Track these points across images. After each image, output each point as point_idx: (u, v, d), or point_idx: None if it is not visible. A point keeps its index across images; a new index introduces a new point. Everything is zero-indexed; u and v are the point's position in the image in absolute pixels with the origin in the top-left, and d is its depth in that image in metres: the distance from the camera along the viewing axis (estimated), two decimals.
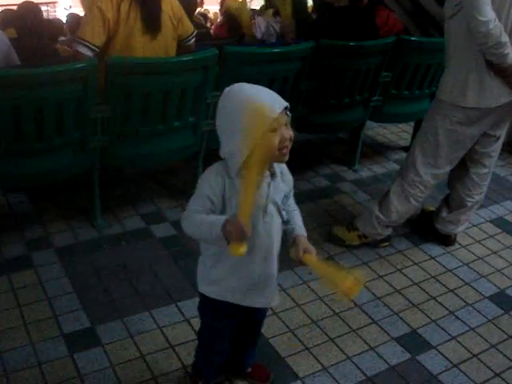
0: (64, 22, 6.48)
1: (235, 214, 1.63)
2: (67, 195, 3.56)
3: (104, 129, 2.98)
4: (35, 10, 4.37)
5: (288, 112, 1.67)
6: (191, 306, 2.67)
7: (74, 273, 2.90)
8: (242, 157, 1.61)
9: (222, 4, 7.48)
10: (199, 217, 1.69)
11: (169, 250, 3.12)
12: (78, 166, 3.07)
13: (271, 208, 1.78)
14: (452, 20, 2.81)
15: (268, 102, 1.61)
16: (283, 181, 1.82)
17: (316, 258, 1.78)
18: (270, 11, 5.09)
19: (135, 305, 2.71)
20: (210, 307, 1.98)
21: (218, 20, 7.45)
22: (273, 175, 1.77)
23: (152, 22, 3.03)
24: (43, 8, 13.31)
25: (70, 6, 16.82)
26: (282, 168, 1.82)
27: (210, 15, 11.03)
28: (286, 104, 1.64)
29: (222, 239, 1.63)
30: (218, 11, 8.25)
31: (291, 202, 1.91)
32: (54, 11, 17.51)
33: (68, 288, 2.79)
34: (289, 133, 1.65)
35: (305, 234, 1.87)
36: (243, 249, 1.60)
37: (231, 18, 5.59)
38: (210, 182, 1.70)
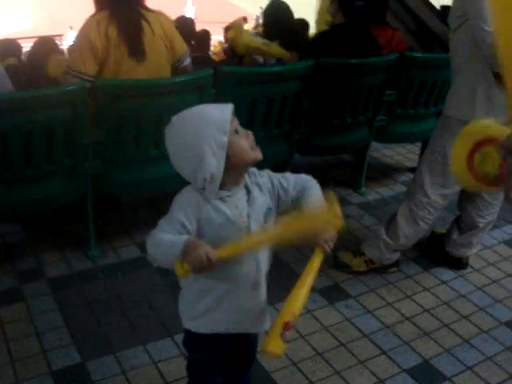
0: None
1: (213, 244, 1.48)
2: (61, 224, 3.44)
3: (96, 154, 2.87)
4: (50, 43, 4.37)
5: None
6: None
7: (66, 305, 2.76)
8: (220, 171, 1.52)
9: (225, 31, 7.44)
10: (163, 236, 1.53)
11: (165, 280, 2.97)
12: (70, 193, 2.95)
13: (254, 227, 1.62)
14: (457, 32, 2.71)
15: (215, 109, 1.57)
16: (261, 190, 1.67)
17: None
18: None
19: (129, 338, 2.57)
20: (197, 341, 1.80)
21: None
22: (248, 190, 1.63)
23: (135, 46, 2.92)
24: None
25: None
26: (255, 175, 1.68)
27: (214, 43, 11.01)
28: (231, 105, 1.57)
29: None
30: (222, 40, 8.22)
31: (293, 183, 1.71)
32: (61, 44, 17.69)
33: (59, 322, 2.65)
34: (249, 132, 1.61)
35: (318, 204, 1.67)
36: (189, 274, 1.46)
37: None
38: (185, 209, 1.55)
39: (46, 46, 4.20)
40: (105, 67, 2.94)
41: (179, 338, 2.54)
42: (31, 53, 4.21)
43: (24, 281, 2.93)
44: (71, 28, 18.80)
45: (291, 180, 1.72)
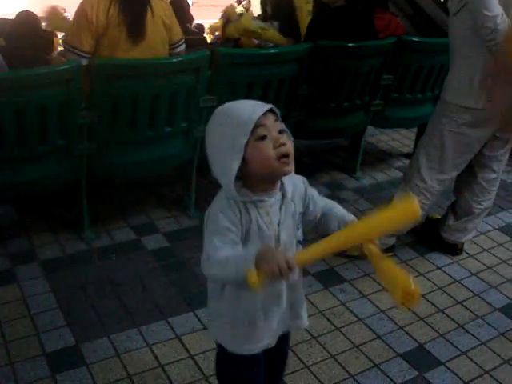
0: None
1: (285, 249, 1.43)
2: (55, 206, 3.40)
3: (90, 136, 2.84)
4: (33, 19, 4.26)
5: (279, 120, 1.47)
6: (183, 323, 2.52)
7: (60, 287, 2.74)
8: (232, 170, 1.40)
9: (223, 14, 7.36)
10: (225, 253, 1.40)
11: (160, 262, 2.96)
12: (64, 174, 2.92)
13: (284, 236, 1.54)
14: (456, 17, 2.68)
15: (248, 107, 1.44)
16: (294, 196, 1.57)
17: (377, 249, 1.52)
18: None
19: (123, 321, 2.55)
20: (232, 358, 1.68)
21: (216, 33, 7.33)
22: (284, 196, 1.53)
23: (135, 27, 2.89)
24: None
25: None
26: (292, 180, 1.58)
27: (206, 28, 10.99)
28: (269, 106, 1.44)
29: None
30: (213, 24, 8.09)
31: (321, 202, 1.66)
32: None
33: (52, 304, 2.63)
34: (284, 139, 1.43)
35: (355, 219, 1.61)
36: (262, 285, 1.31)
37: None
38: (225, 211, 1.45)
39: (29, 21, 4.10)
40: (100, 46, 2.91)
41: (173, 320, 2.56)
42: (13, 29, 4.08)
43: (17, 263, 2.90)
44: (64, 11, 18.71)
45: (320, 198, 1.67)
